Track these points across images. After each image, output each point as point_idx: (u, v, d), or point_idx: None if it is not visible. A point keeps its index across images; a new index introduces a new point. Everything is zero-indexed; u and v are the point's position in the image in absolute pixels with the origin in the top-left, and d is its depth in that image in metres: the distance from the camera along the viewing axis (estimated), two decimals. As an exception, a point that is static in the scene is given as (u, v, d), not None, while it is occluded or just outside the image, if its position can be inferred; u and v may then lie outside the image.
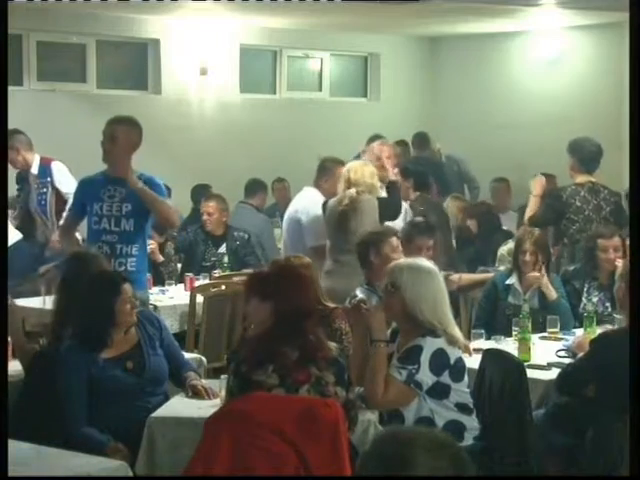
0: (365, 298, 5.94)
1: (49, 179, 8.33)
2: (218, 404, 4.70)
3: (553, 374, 5.34)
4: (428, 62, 13.49)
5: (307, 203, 7.86)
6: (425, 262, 4.76)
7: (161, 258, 8.45)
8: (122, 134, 6.16)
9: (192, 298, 7.34)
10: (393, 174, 7.65)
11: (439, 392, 4.56)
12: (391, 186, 7.53)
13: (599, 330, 5.89)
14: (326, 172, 7.83)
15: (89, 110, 10.51)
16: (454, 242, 8.65)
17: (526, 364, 5.28)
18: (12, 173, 8.45)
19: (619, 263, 6.57)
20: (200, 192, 10.06)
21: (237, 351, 4.57)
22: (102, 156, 6.21)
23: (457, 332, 4.63)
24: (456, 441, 2.37)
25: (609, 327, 5.94)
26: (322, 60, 13.03)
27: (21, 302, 6.74)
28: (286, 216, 8.15)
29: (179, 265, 8.73)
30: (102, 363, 4.92)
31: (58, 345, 5.00)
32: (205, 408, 4.68)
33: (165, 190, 6.38)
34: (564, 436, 5.16)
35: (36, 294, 6.89)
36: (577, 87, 12.13)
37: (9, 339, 5.32)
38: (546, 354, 5.72)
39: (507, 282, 6.70)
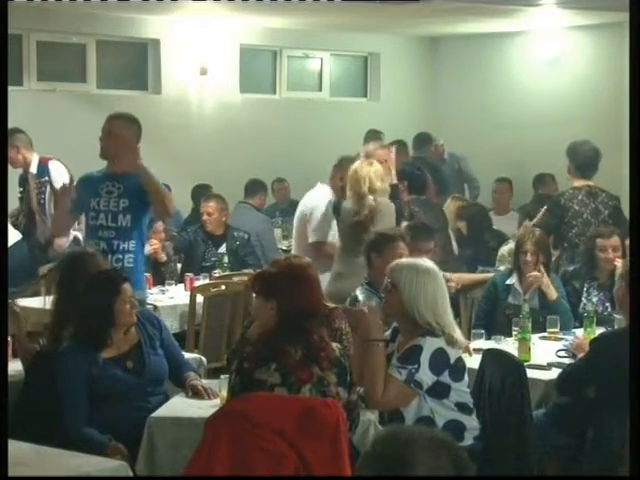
0: (364, 298, 5.96)
1: (47, 178, 8.35)
2: (218, 404, 4.70)
3: (553, 374, 5.35)
4: (428, 62, 13.48)
5: (316, 200, 7.86)
6: (425, 262, 4.76)
7: (164, 257, 8.46)
8: (118, 129, 6.15)
9: (192, 298, 7.34)
10: (394, 177, 7.67)
11: (439, 392, 4.56)
12: (393, 189, 7.55)
13: (599, 330, 5.89)
14: (341, 170, 7.82)
15: (89, 110, 10.51)
16: (454, 243, 8.63)
17: (526, 364, 5.29)
18: (13, 176, 8.48)
19: (618, 263, 6.57)
20: (200, 192, 10.06)
21: (237, 351, 4.57)
22: (100, 152, 6.21)
23: (457, 332, 4.63)
24: (456, 441, 2.37)
25: (609, 327, 5.94)
26: (322, 60, 13.02)
27: (21, 302, 6.75)
28: (297, 212, 8.17)
29: (179, 265, 8.73)
30: (102, 363, 4.92)
31: (58, 345, 5.00)
32: (205, 408, 4.68)
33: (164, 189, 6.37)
34: (564, 436, 5.16)
35: (36, 294, 6.89)
36: (577, 87, 12.12)
37: (9, 339, 5.34)
38: (546, 354, 5.72)
39: (507, 282, 6.71)
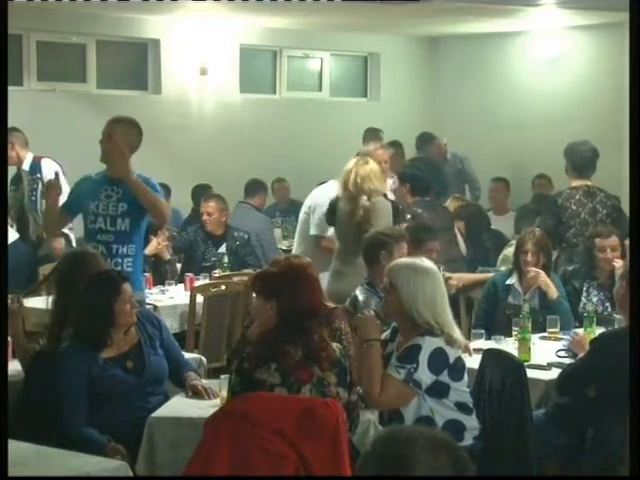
0: (364, 298, 5.96)
1: (39, 175, 8.40)
2: (218, 404, 4.70)
3: (553, 374, 5.35)
4: (428, 62, 13.48)
5: (322, 195, 7.88)
6: (424, 262, 4.75)
7: (168, 256, 8.46)
8: (118, 133, 6.13)
9: (192, 298, 7.33)
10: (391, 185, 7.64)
11: (438, 391, 4.56)
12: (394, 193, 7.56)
13: (599, 330, 5.89)
14: None
15: (89, 110, 10.51)
16: (462, 243, 8.60)
17: (526, 364, 5.29)
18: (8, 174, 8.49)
19: (617, 263, 6.57)
20: (200, 192, 10.06)
21: (237, 350, 4.57)
22: (100, 156, 6.20)
23: (456, 332, 4.63)
24: (456, 441, 2.37)
25: (609, 327, 5.94)
26: (322, 60, 13.03)
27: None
28: (303, 205, 8.19)
29: (179, 265, 8.73)
30: (102, 363, 4.92)
31: (58, 345, 5.00)
32: (205, 408, 4.68)
33: (160, 191, 6.35)
34: (564, 436, 5.16)
35: (36, 294, 6.88)
36: (577, 87, 12.12)
37: (9, 339, 5.34)
38: (546, 354, 5.72)
39: (507, 282, 6.71)
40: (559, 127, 11.28)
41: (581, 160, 7.89)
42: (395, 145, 10.00)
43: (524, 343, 5.69)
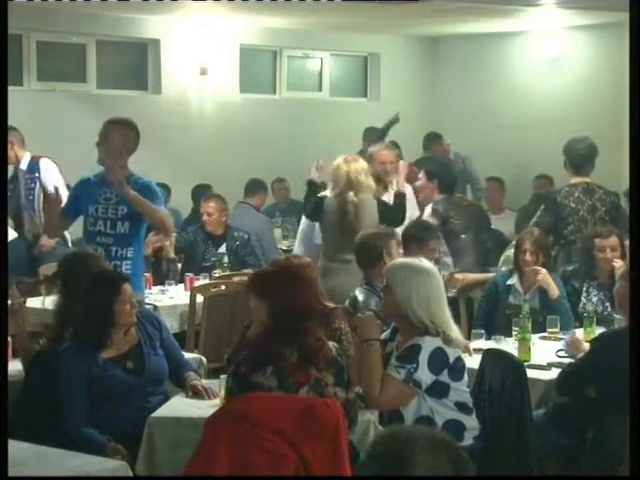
0: (364, 298, 5.96)
1: (37, 174, 8.38)
2: (218, 404, 4.69)
3: (553, 374, 5.34)
4: (428, 62, 13.48)
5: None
6: (422, 262, 4.74)
7: (172, 254, 8.45)
8: (115, 135, 6.09)
9: (192, 298, 7.33)
10: (403, 185, 7.59)
11: (438, 391, 4.56)
12: (399, 196, 7.50)
13: (599, 330, 5.89)
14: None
15: (89, 110, 10.51)
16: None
17: (526, 364, 5.28)
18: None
19: (617, 263, 6.57)
20: (200, 192, 10.06)
21: (237, 351, 4.56)
22: (97, 158, 6.18)
23: (454, 332, 4.62)
24: (456, 441, 2.37)
25: (609, 327, 5.94)
26: (322, 60, 13.03)
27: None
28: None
29: (179, 265, 8.73)
30: (102, 363, 4.92)
31: (58, 345, 5.00)
32: (205, 408, 4.67)
33: (161, 196, 6.32)
34: (564, 436, 5.16)
35: (36, 294, 6.88)
36: (577, 87, 12.12)
37: (9, 339, 5.34)
38: (546, 354, 5.72)
39: (508, 282, 6.71)
40: (559, 127, 11.27)
41: (579, 157, 7.90)
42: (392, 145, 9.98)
43: (524, 343, 5.69)
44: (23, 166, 8.49)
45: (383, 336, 4.75)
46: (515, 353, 5.48)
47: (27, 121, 9.00)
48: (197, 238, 8.70)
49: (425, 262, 4.77)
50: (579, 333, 6.06)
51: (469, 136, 12.37)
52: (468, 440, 4.62)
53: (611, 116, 11.17)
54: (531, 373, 5.14)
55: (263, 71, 12.69)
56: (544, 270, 6.53)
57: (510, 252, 8.03)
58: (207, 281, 7.93)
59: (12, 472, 3.74)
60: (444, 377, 4.55)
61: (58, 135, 10.15)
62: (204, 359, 5.88)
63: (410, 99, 13.19)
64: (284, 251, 9.79)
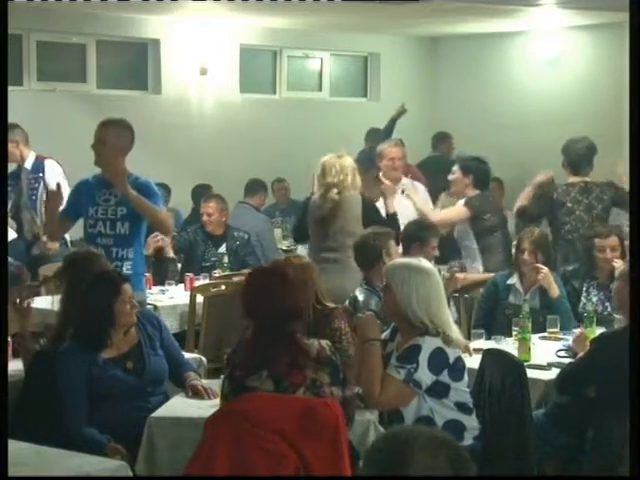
0: (364, 298, 5.96)
1: (41, 175, 8.36)
2: (218, 404, 4.69)
3: (553, 374, 5.34)
4: (428, 62, 13.49)
5: None
6: (421, 262, 4.74)
7: (172, 253, 8.45)
8: (111, 137, 6.07)
9: (192, 298, 7.33)
10: (392, 207, 7.54)
11: (438, 391, 4.55)
12: (390, 217, 7.45)
13: (599, 330, 5.89)
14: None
15: (89, 110, 10.51)
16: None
17: (526, 364, 5.28)
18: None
19: (617, 263, 6.57)
20: (200, 192, 10.06)
21: (237, 351, 4.56)
22: (94, 159, 6.17)
23: (454, 332, 4.62)
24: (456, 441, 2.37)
25: (609, 327, 5.94)
26: (322, 60, 13.03)
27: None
28: None
29: (179, 265, 8.73)
30: (102, 363, 4.92)
31: (58, 345, 5.00)
32: (205, 408, 4.67)
33: (160, 195, 6.30)
34: (564, 436, 5.16)
35: (37, 294, 6.88)
36: (577, 87, 12.13)
37: (9, 339, 5.34)
38: (546, 354, 5.72)
39: (508, 282, 6.70)
40: (559, 127, 11.27)
41: (577, 157, 7.91)
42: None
43: (524, 343, 5.69)
44: (27, 165, 8.47)
45: (383, 336, 4.75)
46: (515, 353, 5.48)
47: (27, 121, 8.98)
48: (197, 238, 8.70)
49: (425, 262, 4.77)
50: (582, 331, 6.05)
51: (469, 136, 12.37)
52: (468, 440, 4.62)
53: (611, 116, 11.17)
54: (531, 373, 5.14)
55: (263, 71, 12.69)
56: (546, 269, 6.52)
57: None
58: (207, 281, 7.93)
59: (12, 472, 3.74)
60: (444, 377, 4.55)
61: (58, 135, 10.15)
62: (204, 359, 5.87)
63: (410, 99, 13.15)
64: (284, 251, 9.79)
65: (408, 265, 4.68)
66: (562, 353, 5.71)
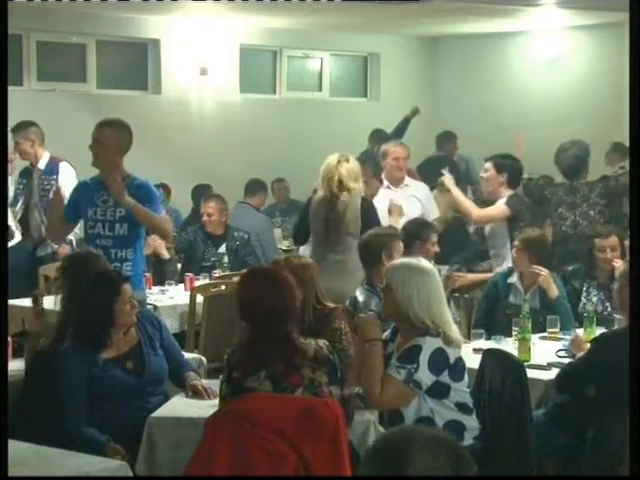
0: (364, 298, 5.96)
1: (55, 177, 8.30)
2: (218, 404, 4.69)
3: (553, 374, 5.34)
4: (428, 62, 13.49)
5: None
6: (421, 262, 4.74)
7: (167, 254, 8.45)
8: (108, 137, 6.05)
9: (192, 298, 7.33)
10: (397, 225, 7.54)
11: (439, 392, 4.56)
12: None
13: (599, 330, 5.89)
14: (365, 168, 7.82)
15: (89, 110, 10.51)
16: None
17: (526, 364, 5.28)
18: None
19: (617, 263, 6.57)
20: (200, 192, 10.06)
21: (236, 351, 4.56)
22: (92, 160, 6.16)
23: (454, 332, 4.62)
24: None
25: (609, 327, 5.94)
26: (322, 60, 13.04)
27: (22, 302, 6.76)
28: None
29: (179, 265, 8.73)
30: (102, 363, 4.92)
31: (59, 345, 5.00)
32: (205, 408, 4.67)
33: (158, 197, 6.30)
34: (564, 436, 5.16)
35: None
36: (577, 87, 12.13)
37: (9, 339, 5.34)
38: (546, 354, 5.72)
39: (508, 281, 6.71)
40: (559, 127, 11.28)
41: (567, 167, 7.95)
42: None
43: (524, 343, 5.69)
44: (41, 165, 8.38)
45: (384, 337, 4.75)
46: (515, 353, 5.48)
47: (27, 121, 9.00)
48: (197, 238, 8.70)
49: (425, 262, 4.77)
50: (580, 333, 6.05)
51: (468, 136, 12.37)
52: (468, 440, 4.62)
53: (611, 116, 11.17)
54: (531, 373, 5.14)
55: (263, 71, 12.70)
56: (546, 271, 6.52)
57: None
58: (207, 281, 7.93)
59: (12, 472, 3.74)
60: (444, 378, 4.55)
61: (58, 135, 10.13)
62: (204, 359, 5.87)
63: (410, 99, 13.17)
64: (284, 251, 9.78)
65: (408, 265, 4.68)
66: (562, 353, 5.71)
